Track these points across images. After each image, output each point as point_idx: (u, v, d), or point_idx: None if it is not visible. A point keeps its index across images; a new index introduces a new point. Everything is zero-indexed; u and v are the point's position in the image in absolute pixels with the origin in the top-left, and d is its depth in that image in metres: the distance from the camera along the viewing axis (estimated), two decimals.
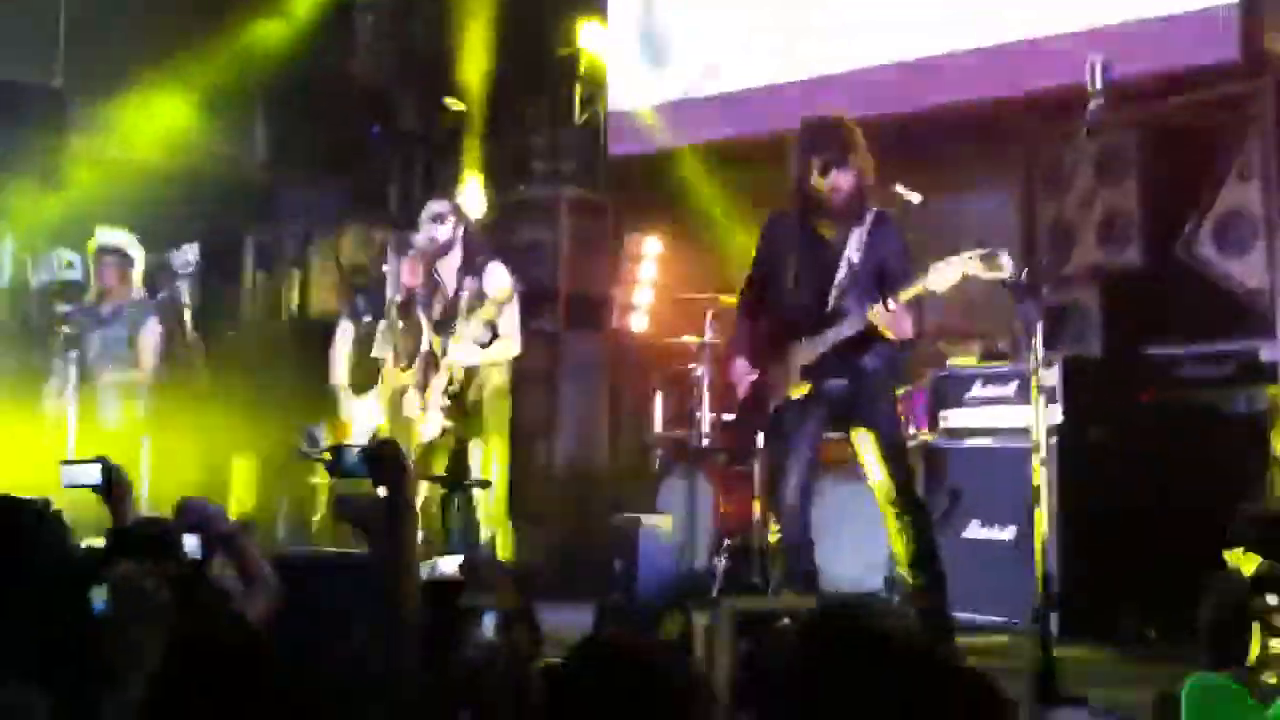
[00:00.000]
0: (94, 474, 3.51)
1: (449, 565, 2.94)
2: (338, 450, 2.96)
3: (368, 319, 6.93)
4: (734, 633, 3.60)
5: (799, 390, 4.93)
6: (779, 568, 5.04)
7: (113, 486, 3.48)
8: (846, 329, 4.83)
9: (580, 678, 1.95)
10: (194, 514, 3.21)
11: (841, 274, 4.90)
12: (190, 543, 3.08)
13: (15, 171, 8.23)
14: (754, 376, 5.12)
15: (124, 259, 7.10)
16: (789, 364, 4.95)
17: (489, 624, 2.79)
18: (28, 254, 8.34)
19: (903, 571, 5.03)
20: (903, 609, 4.69)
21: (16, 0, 8.51)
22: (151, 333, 7.02)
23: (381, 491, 4.86)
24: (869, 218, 4.93)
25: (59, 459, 4.17)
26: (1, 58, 8.42)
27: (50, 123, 8.55)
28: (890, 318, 4.66)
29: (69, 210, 8.12)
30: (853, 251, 4.90)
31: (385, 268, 7.30)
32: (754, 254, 5.25)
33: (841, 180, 4.86)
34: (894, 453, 4.94)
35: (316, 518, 7.07)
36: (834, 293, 4.90)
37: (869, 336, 4.83)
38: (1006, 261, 4.33)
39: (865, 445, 4.96)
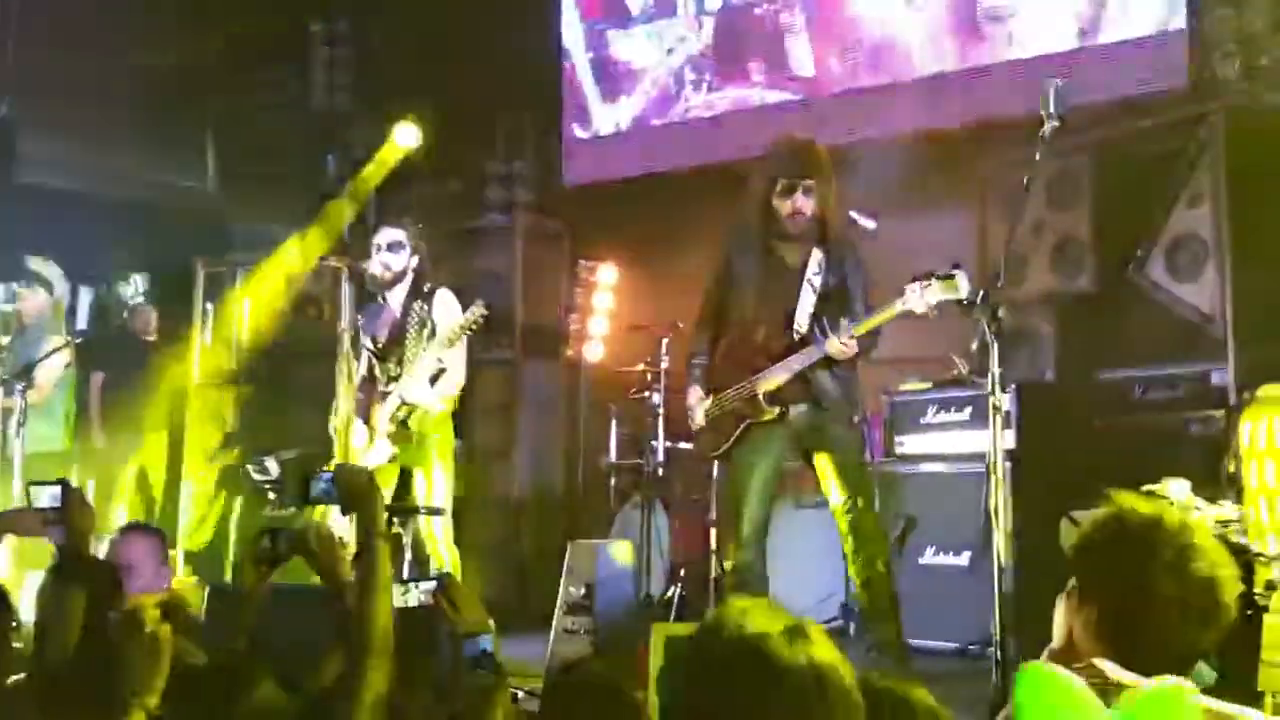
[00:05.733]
0: (55, 496, 3.45)
1: (421, 592, 2.89)
2: (303, 476, 2.89)
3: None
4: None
5: (765, 415, 4.88)
6: (731, 595, 4.95)
7: (68, 508, 3.44)
8: (814, 354, 4.80)
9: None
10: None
11: (805, 297, 4.87)
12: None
13: None
14: (709, 402, 5.05)
15: (45, 287, 7.15)
16: (752, 389, 4.90)
17: (476, 648, 2.74)
18: None
19: (859, 598, 5.00)
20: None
21: None
22: (52, 360, 6.97)
23: (336, 519, 4.79)
24: (829, 240, 4.92)
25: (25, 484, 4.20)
26: None
27: None
28: (836, 346, 4.69)
29: (13, 241, 8.01)
30: (813, 274, 4.87)
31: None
32: (714, 270, 5.17)
33: (804, 204, 4.84)
34: (855, 478, 4.91)
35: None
36: (798, 317, 4.87)
37: (831, 361, 4.83)
38: (964, 283, 4.34)
39: (827, 471, 4.93)
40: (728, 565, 5.03)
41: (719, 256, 5.15)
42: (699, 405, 5.07)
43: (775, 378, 4.86)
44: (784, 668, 1.71)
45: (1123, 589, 2.14)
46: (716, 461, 5.98)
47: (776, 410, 4.87)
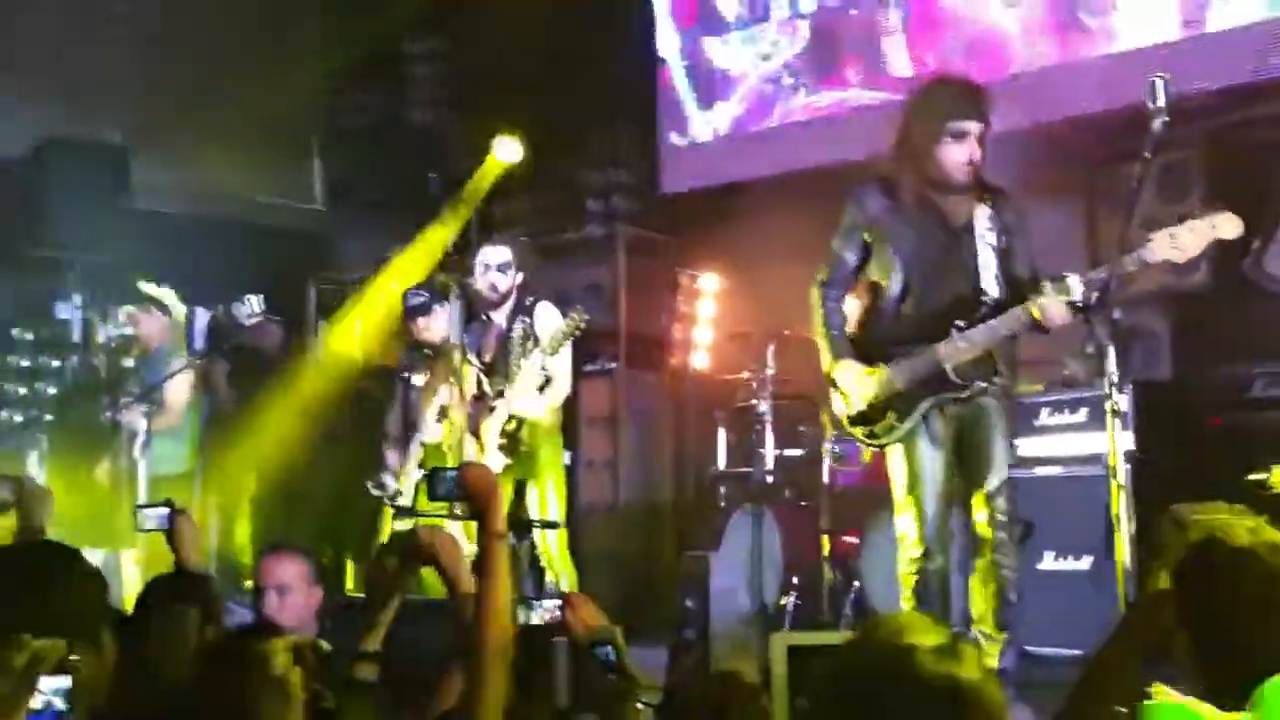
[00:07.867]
0: (161, 517, 3.54)
1: (545, 610, 2.91)
2: (431, 475, 2.88)
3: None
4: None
5: (953, 394, 4.35)
6: (909, 601, 4.36)
7: (174, 529, 3.52)
8: (1022, 317, 4.23)
9: None
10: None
11: (984, 258, 4.34)
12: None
13: (80, 229, 8.35)
14: (875, 379, 4.42)
15: (162, 310, 7.30)
16: (936, 362, 4.33)
17: (603, 655, 2.75)
18: (95, 310, 8.46)
19: (980, 628, 4.44)
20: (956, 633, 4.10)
21: (76, 58, 8.64)
22: (178, 381, 7.09)
23: (452, 525, 4.85)
24: (993, 194, 4.42)
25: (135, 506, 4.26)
26: (64, 116, 8.56)
27: (113, 179, 8.67)
28: (1058, 307, 4.13)
29: (132, 266, 8.23)
30: (986, 230, 4.34)
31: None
32: (842, 235, 4.53)
33: (976, 152, 4.27)
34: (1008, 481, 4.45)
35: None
36: (984, 279, 4.33)
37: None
38: (1075, 285, 4.22)
39: (976, 465, 4.43)
40: (907, 568, 4.38)
41: (851, 213, 4.52)
42: (860, 383, 4.42)
43: (973, 347, 4.29)
44: (924, 684, 1.67)
45: (1211, 622, 2.11)
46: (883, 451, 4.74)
47: (979, 385, 4.32)
